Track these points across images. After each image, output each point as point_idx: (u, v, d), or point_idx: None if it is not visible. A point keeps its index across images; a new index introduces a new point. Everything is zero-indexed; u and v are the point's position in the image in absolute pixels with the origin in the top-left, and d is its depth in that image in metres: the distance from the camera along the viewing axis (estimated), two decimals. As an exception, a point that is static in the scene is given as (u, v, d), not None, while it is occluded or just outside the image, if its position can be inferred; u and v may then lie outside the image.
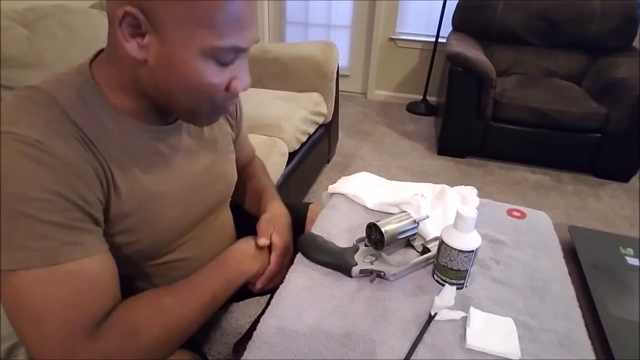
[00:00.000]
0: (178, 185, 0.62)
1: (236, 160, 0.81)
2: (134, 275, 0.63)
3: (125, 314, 0.51)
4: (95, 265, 0.49)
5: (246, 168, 0.90)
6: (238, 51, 0.51)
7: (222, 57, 0.50)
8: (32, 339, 0.46)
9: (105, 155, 0.51)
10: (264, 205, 0.79)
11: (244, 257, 0.67)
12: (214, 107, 0.55)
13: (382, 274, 0.64)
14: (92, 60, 0.55)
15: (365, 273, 0.64)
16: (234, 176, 0.77)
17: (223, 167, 0.73)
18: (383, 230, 0.66)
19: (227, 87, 0.53)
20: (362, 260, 0.65)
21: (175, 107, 0.55)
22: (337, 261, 0.65)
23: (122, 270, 0.54)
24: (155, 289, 0.57)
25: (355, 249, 0.68)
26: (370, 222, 0.69)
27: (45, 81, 0.51)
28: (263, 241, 0.69)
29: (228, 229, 0.79)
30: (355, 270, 0.64)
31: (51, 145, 0.45)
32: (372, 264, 0.65)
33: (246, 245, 0.69)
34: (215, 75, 0.51)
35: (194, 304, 0.58)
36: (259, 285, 0.69)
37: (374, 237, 0.68)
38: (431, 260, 0.67)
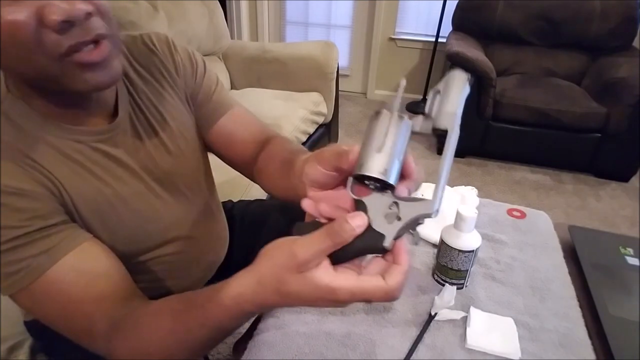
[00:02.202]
0: (138, 183, 0.60)
1: (233, 141, 0.71)
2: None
3: (135, 328, 0.48)
4: (79, 259, 0.49)
5: (265, 149, 0.70)
6: None
7: None
8: (72, 337, 0.50)
9: (51, 170, 0.50)
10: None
11: (278, 286, 0.38)
12: (59, 57, 0.44)
13: (420, 221, 0.38)
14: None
15: (403, 233, 0.38)
16: (199, 162, 0.71)
17: (183, 153, 0.66)
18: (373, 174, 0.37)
19: (42, 23, 0.42)
20: (384, 219, 0.38)
21: (35, 81, 0.47)
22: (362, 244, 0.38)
23: None
24: (162, 309, 0.49)
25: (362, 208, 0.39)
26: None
27: None
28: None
29: (216, 223, 0.76)
30: (388, 241, 0.37)
31: None
32: (399, 218, 0.38)
33: (288, 260, 0.37)
34: (8, 14, 0.40)
35: (201, 340, 0.47)
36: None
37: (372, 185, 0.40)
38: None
